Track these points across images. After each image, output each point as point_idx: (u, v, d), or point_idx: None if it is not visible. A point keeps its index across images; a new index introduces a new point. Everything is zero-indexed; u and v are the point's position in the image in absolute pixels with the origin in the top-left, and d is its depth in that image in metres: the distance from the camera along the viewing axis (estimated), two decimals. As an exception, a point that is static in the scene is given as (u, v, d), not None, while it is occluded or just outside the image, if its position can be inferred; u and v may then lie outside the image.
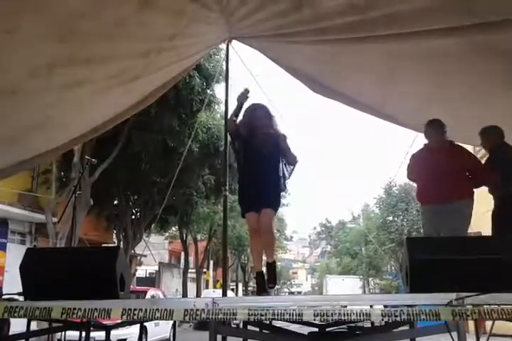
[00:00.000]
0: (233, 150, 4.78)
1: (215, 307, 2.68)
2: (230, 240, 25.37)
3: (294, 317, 2.57)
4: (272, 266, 4.28)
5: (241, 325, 4.08)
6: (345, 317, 2.54)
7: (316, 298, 2.72)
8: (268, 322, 4.37)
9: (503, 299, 2.56)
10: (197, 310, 2.67)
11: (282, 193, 5.30)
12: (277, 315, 2.59)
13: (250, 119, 4.37)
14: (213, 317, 2.61)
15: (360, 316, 2.55)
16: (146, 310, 2.74)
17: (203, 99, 12.25)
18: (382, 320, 2.58)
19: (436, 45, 3.93)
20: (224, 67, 6.25)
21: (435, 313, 2.49)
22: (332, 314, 2.56)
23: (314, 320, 2.57)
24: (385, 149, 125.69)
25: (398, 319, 2.52)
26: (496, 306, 2.50)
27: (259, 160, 4.26)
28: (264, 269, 4.30)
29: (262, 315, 2.59)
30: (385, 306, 3.15)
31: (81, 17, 3.17)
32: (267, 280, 4.21)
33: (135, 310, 2.73)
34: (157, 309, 2.74)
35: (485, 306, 2.50)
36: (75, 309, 2.79)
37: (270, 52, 5.11)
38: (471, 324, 5.90)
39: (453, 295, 2.57)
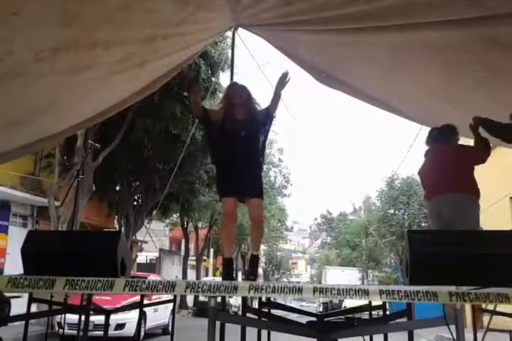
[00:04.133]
0: (207, 136, 4.45)
1: (217, 283, 2.71)
2: (231, 229, 25.40)
3: (294, 292, 2.60)
4: (256, 257, 3.93)
5: (240, 313, 4.10)
6: (344, 294, 2.58)
7: (316, 285, 2.72)
8: (267, 310, 4.40)
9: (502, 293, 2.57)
10: (199, 282, 2.71)
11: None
12: (277, 289, 2.61)
13: (229, 99, 4.10)
14: (215, 290, 2.63)
15: (358, 293, 2.58)
16: (149, 282, 2.78)
17: (207, 86, 12.19)
18: (380, 298, 2.59)
19: (444, 37, 3.87)
20: (229, 55, 6.22)
21: (433, 294, 2.51)
22: (331, 290, 2.59)
23: (313, 295, 2.59)
24: (388, 142, 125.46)
25: (396, 297, 2.53)
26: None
27: (237, 145, 3.91)
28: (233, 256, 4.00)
29: (262, 290, 2.62)
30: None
31: (84, 0, 3.13)
32: (249, 272, 3.95)
33: (138, 282, 2.76)
34: (160, 282, 2.77)
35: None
36: (78, 280, 2.82)
37: (276, 40, 5.05)
38: (468, 319, 5.92)
39: (453, 289, 2.57)
